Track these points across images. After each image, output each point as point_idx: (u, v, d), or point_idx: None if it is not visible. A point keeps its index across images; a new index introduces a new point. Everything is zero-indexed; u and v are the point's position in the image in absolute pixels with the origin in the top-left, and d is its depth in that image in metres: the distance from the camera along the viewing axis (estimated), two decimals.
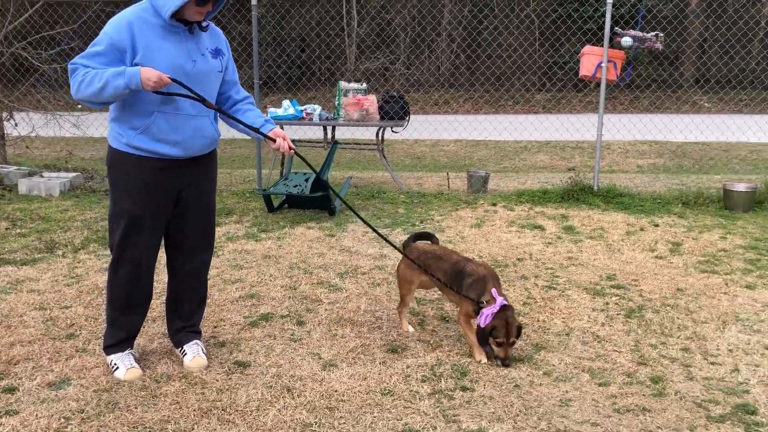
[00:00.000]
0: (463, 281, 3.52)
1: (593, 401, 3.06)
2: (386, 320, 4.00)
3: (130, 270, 3.21)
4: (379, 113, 7.68)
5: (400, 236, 5.79)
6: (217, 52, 3.20)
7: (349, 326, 3.91)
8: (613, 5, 6.82)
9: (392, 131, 8.05)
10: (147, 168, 3.08)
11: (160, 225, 3.22)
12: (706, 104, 17.63)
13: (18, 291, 4.44)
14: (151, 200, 3.13)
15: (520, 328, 3.39)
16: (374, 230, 3.73)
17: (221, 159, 10.94)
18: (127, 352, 3.34)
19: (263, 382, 3.24)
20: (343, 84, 7.81)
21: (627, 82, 6.98)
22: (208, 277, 3.55)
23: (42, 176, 7.86)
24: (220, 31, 3.35)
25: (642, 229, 5.99)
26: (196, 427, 2.85)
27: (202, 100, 3.05)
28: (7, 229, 6.00)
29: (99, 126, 9.15)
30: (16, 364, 3.41)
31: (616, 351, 3.59)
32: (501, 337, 3.32)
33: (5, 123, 8.76)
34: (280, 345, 3.66)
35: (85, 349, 3.59)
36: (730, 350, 3.60)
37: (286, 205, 6.80)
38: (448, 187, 7.97)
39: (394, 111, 7.65)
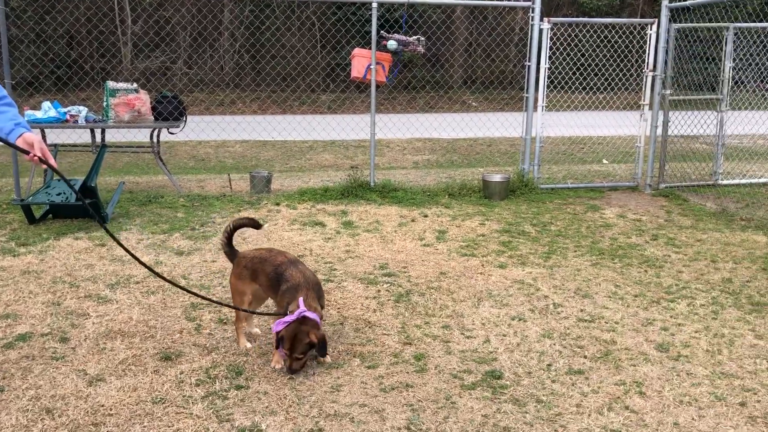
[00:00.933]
0: (280, 287, 3.44)
1: (362, 384, 3.24)
2: (161, 328, 3.88)
3: None
4: (153, 114, 7.39)
5: (178, 241, 5.63)
6: None
7: (120, 338, 3.74)
8: (386, 10, 7.19)
9: (168, 132, 7.77)
10: None
11: None
12: (474, 103, 19.23)
13: None
14: None
15: (311, 344, 3.23)
16: (120, 245, 3.58)
17: None
18: None
19: (19, 407, 2.99)
20: (111, 84, 7.39)
21: (404, 84, 7.40)
22: None
23: None
24: None
25: (413, 220, 6.41)
26: None
27: None
28: None
29: None
30: None
31: (385, 334, 3.82)
32: (285, 348, 3.25)
33: None
34: (40, 365, 3.40)
35: None
36: (483, 324, 4.00)
37: (50, 215, 6.29)
38: (231, 188, 7.89)
39: (168, 111, 7.40)
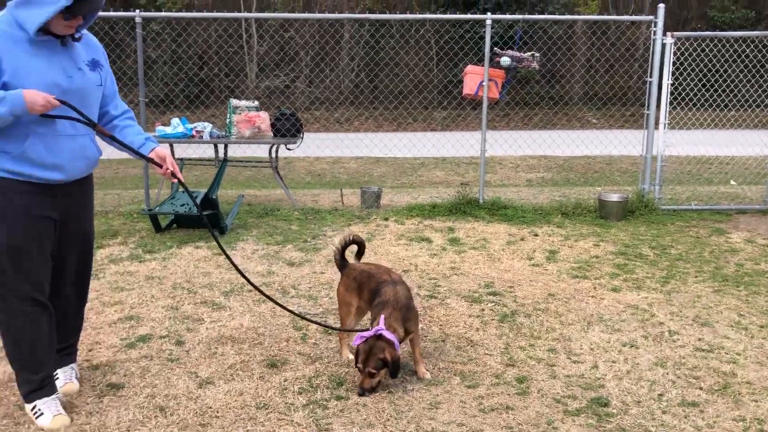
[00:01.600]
0: (373, 301, 3.49)
1: (461, 402, 3.20)
2: (269, 336, 4.02)
3: (22, 306, 2.93)
4: (272, 130, 7.70)
5: (291, 252, 5.82)
6: (94, 64, 3.00)
7: (230, 344, 3.90)
8: (501, 27, 7.16)
9: (286, 148, 8.08)
10: (25, 193, 2.86)
11: (46, 254, 2.97)
12: (593, 120, 18.66)
13: None
14: (31, 228, 2.90)
15: (384, 361, 3.19)
16: (228, 258, 3.73)
17: (112, 180, 10.62)
18: (53, 397, 3.05)
19: (136, 403, 3.19)
20: (234, 101, 7.78)
21: (520, 100, 7.33)
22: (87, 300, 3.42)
23: None
24: (96, 40, 3.12)
25: (522, 239, 6.28)
26: None
27: (93, 125, 2.88)
28: None
29: None
30: None
31: (488, 354, 3.76)
32: (358, 363, 3.25)
33: None
34: (157, 365, 3.61)
35: None
36: (591, 349, 3.84)
37: (174, 225, 6.69)
38: (343, 203, 8.07)
39: (285, 128, 7.69)
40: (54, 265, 3.08)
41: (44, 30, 2.79)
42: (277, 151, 8.08)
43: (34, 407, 3.04)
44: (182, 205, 6.39)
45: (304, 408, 3.14)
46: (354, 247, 3.94)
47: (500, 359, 3.69)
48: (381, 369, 3.23)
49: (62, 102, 2.78)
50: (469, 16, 7.88)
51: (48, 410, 3.02)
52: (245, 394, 3.28)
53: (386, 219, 7.06)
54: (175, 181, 3.12)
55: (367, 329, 3.38)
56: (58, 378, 3.29)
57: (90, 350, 3.79)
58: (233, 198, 8.11)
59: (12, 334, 2.99)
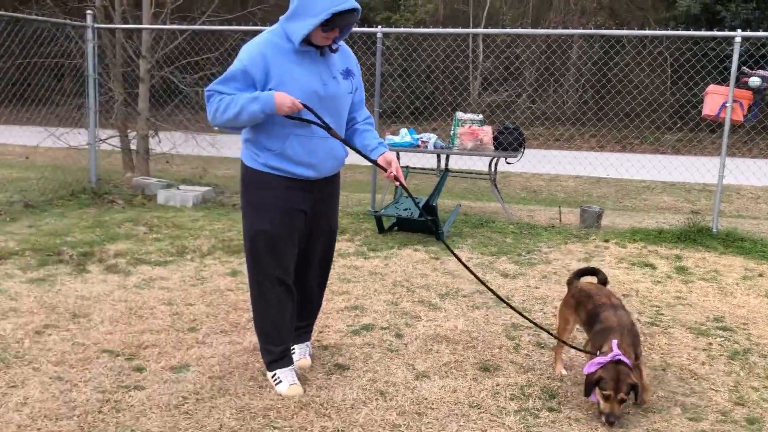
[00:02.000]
0: (593, 327, 3.40)
1: None
2: (482, 341, 4.12)
3: (271, 287, 3.31)
4: (494, 144, 7.82)
5: (505, 264, 5.88)
6: (347, 73, 3.29)
7: (445, 343, 4.07)
8: (751, 45, 6.64)
9: (506, 162, 8.15)
10: (282, 187, 3.23)
11: (294, 242, 3.33)
12: None
13: (150, 287, 4.95)
14: (285, 218, 3.26)
15: (633, 386, 3.08)
16: (461, 262, 3.85)
17: (343, 184, 11.46)
18: (290, 368, 3.43)
19: (359, 385, 3.46)
20: (459, 114, 8.03)
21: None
22: None
23: (178, 189, 8.60)
24: (351, 52, 3.41)
25: (761, 275, 5.73)
26: (295, 416, 3.11)
27: (327, 128, 3.18)
28: (145, 233, 6.64)
29: (232, 146, 9.86)
30: (145, 349, 3.84)
31: (713, 390, 3.52)
32: (608, 390, 3.06)
33: (150, 139, 9.67)
34: (378, 353, 3.87)
35: (204, 341, 3.97)
36: None
37: (396, 227, 7.07)
38: (560, 220, 7.95)
39: (508, 142, 7.76)
40: (301, 255, 3.43)
41: (306, 41, 3.13)
42: (496, 165, 8.18)
43: (274, 375, 3.44)
44: (405, 209, 6.73)
45: (515, 413, 3.19)
46: (573, 263, 3.89)
47: (728, 396, 3.44)
48: (629, 393, 3.09)
49: (305, 106, 3.10)
50: (715, 33, 7.36)
51: (285, 379, 3.39)
52: (458, 391, 3.41)
53: (606, 241, 6.83)
54: (398, 184, 3.32)
55: (594, 352, 3.28)
56: (294, 352, 3.67)
57: (320, 332, 4.17)
58: (449, 207, 8.36)
59: (261, 310, 3.41)
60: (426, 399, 3.32)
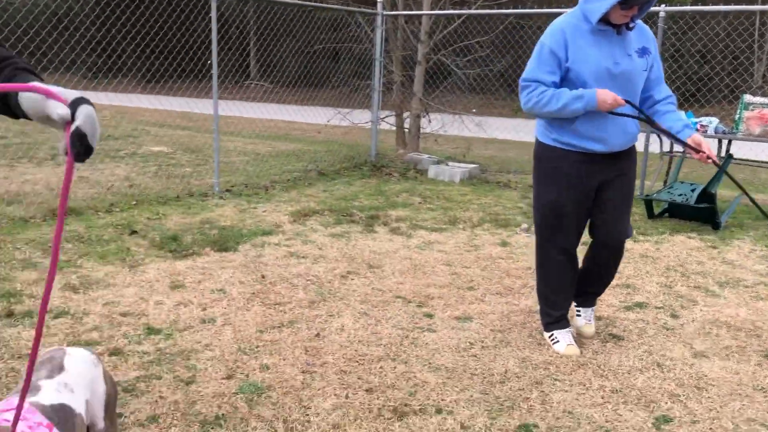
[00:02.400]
0: None
1: None
2: (767, 330, 3.95)
3: (555, 255, 3.54)
4: None
5: None
6: (643, 51, 3.34)
7: (725, 328, 3.97)
8: None
9: None
10: (571, 161, 3.40)
11: (582, 214, 3.49)
12: None
13: (430, 249, 5.46)
14: (573, 190, 3.40)
15: None
16: None
17: None
18: (567, 330, 3.65)
19: (635, 354, 3.57)
20: (747, 97, 7.47)
21: None
22: None
23: (447, 165, 9.17)
24: (648, 29, 3.45)
25: None
26: (573, 373, 3.33)
27: (650, 121, 3.28)
28: (419, 203, 7.25)
29: (500, 126, 10.21)
30: (431, 299, 4.31)
31: None
32: None
33: (422, 119, 10.38)
34: (653, 329, 3.92)
35: (482, 299, 4.35)
36: None
37: (666, 213, 6.86)
38: None
39: None
40: (597, 222, 3.55)
41: (604, 20, 3.24)
42: None
43: (551, 335, 3.68)
44: (680, 195, 6.51)
45: None
46: None
47: None
48: None
49: (627, 102, 3.23)
50: None
51: (563, 339, 3.62)
52: (741, 374, 3.36)
53: None
54: (710, 162, 3.27)
55: None
56: (580, 315, 3.86)
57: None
58: (727, 197, 7.85)
59: (543, 275, 3.67)
60: (706, 376, 3.33)
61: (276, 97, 18.17)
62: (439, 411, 2.93)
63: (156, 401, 2.91)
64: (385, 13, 9.32)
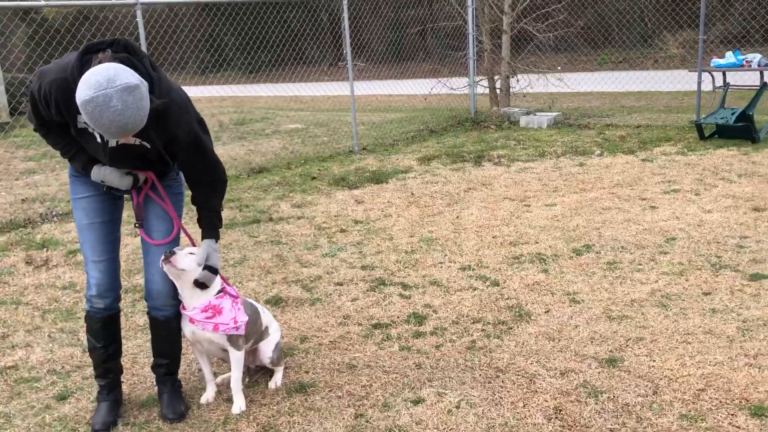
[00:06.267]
0: None
1: None
2: (760, 197, 5.80)
3: None
4: None
5: None
6: None
7: (731, 198, 5.85)
8: None
9: None
10: None
11: None
12: None
13: (525, 172, 7.53)
14: None
15: None
16: None
17: (670, 107, 12.76)
18: None
19: (662, 211, 5.54)
20: None
21: None
22: None
23: (535, 115, 11.11)
24: None
25: None
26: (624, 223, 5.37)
27: None
28: (515, 144, 9.28)
29: (580, 81, 11.93)
30: (528, 197, 6.40)
31: None
32: None
33: (511, 79, 12.31)
34: (679, 201, 5.86)
35: (563, 196, 6.38)
36: None
37: (716, 134, 8.58)
38: None
39: None
40: None
41: None
42: None
43: None
44: (721, 118, 8.24)
45: None
46: None
47: None
48: None
49: None
50: None
51: None
52: (730, 218, 5.28)
53: None
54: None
55: None
56: None
57: (633, 187, 6.28)
58: (759, 123, 9.43)
59: None
60: (706, 220, 5.28)
61: (369, 74, 20.40)
62: (537, 242, 5.07)
63: (377, 246, 5.19)
64: None
